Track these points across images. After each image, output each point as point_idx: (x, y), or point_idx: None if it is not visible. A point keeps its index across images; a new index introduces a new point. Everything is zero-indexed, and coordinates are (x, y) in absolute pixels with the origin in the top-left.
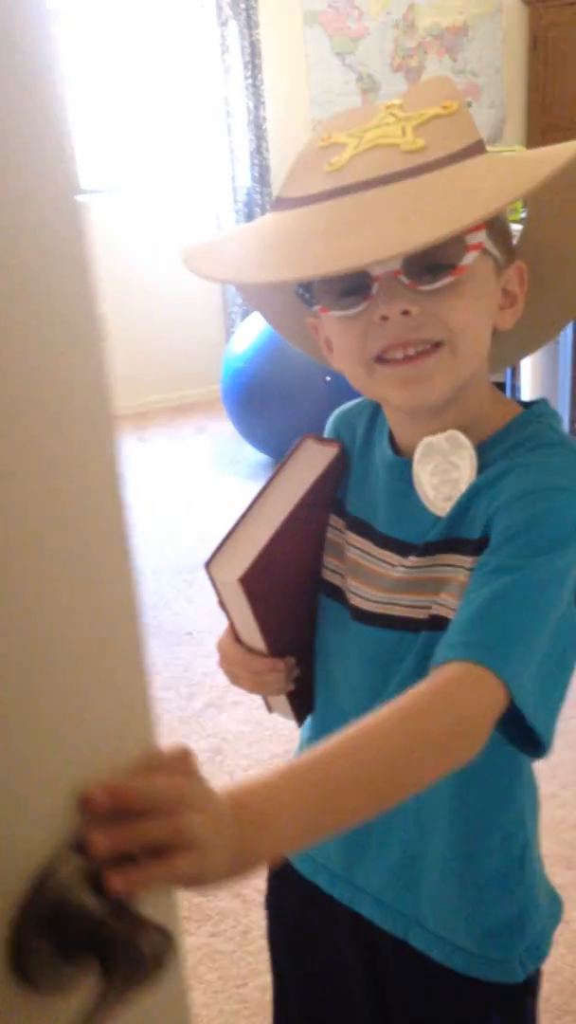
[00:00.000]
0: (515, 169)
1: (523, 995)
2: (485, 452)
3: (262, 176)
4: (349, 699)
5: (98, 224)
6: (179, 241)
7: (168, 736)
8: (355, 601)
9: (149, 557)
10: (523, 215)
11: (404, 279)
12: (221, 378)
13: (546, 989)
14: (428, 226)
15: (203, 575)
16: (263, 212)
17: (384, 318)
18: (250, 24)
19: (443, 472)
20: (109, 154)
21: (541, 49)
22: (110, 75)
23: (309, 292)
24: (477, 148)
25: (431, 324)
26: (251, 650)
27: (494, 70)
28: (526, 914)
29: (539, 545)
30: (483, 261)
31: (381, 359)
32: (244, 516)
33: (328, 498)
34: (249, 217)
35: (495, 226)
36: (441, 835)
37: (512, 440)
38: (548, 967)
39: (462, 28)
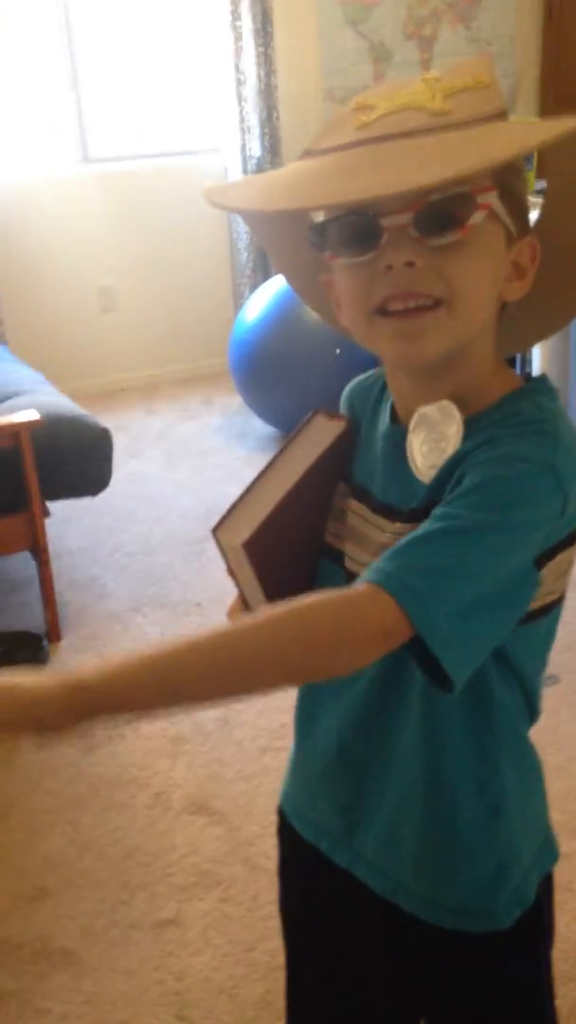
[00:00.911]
0: (529, 129)
1: (515, 941)
2: (474, 424)
3: (273, 146)
4: None
5: (107, 194)
6: (189, 212)
7: None
8: (349, 564)
9: (157, 529)
10: (538, 186)
11: (413, 231)
12: (229, 350)
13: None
14: (435, 170)
15: (211, 547)
16: None
17: (389, 267)
18: None
19: (433, 441)
20: (119, 122)
21: (556, 18)
22: (120, 42)
23: (322, 237)
24: (499, 116)
25: (433, 279)
26: None
27: (508, 39)
28: (507, 862)
29: (490, 503)
30: (492, 225)
31: (382, 311)
32: (252, 485)
33: (334, 470)
34: None
35: (508, 194)
36: (419, 792)
37: (498, 415)
38: (554, 934)
39: None
